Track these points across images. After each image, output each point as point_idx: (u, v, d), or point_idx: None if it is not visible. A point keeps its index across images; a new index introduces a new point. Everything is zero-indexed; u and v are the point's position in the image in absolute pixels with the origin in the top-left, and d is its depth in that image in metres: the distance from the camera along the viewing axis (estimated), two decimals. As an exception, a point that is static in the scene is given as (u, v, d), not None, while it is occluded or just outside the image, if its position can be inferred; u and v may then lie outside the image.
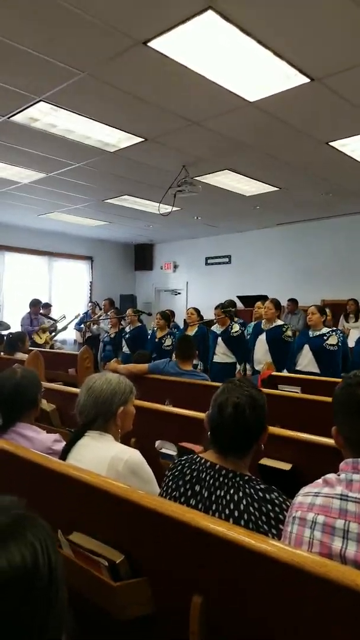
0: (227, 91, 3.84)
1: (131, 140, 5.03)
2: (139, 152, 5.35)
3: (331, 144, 4.98)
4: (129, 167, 5.91)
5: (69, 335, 9.43)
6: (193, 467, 1.43)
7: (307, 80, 3.64)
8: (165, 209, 6.61)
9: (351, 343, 6.17)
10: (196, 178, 6.01)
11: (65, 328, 8.47)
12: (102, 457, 1.58)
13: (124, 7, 2.88)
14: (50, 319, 8.47)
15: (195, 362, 4.82)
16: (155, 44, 3.25)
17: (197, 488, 1.38)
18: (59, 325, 8.39)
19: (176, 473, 1.45)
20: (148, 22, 3.04)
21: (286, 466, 1.89)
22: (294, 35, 3.12)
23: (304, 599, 0.94)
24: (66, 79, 3.75)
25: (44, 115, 4.48)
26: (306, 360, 4.44)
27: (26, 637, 0.50)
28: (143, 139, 4.98)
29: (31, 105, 4.25)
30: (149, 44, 3.26)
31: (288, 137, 4.80)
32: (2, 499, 0.58)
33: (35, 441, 1.91)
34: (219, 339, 5.36)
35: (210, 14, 2.92)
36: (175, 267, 11.52)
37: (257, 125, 4.54)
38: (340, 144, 5.00)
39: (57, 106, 4.25)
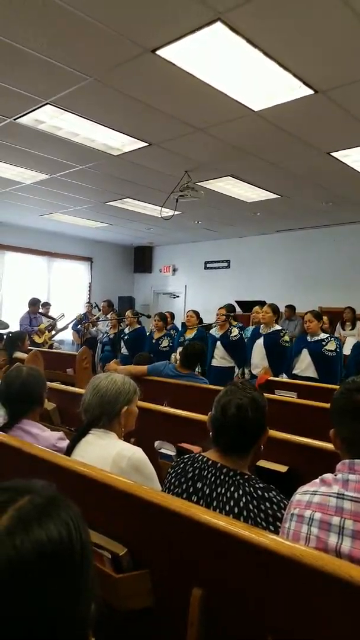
0: (233, 100, 3.90)
1: (135, 144, 5.09)
2: (143, 156, 5.41)
3: (333, 154, 5.05)
4: (132, 170, 5.96)
5: (67, 336, 9.47)
6: (195, 465, 1.48)
7: (311, 92, 3.71)
8: (167, 212, 6.67)
9: (347, 351, 6.24)
10: (198, 183, 6.08)
11: (66, 327, 8.51)
12: (106, 454, 1.63)
13: (134, 16, 2.95)
14: (50, 317, 8.50)
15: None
16: (164, 52, 3.31)
17: (199, 485, 1.43)
18: (59, 325, 8.43)
19: (179, 470, 1.51)
20: (157, 31, 3.10)
21: (282, 468, 1.94)
22: (300, 48, 3.19)
23: (301, 591, 0.99)
24: (73, 83, 3.81)
25: (50, 118, 4.54)
26: (304, 365, 4.49)
27: (63, 605, 0.55)
28: (147, 144, 5.05)
29: (38, 107, 4.30)
30: (157, 52, 3.32)
31: (291, 146, 4.87)
32: (35, 482, 0.64)
33: (39, 438, 1.96)
34: (218, 342, 5.41)
35: (218, 26, 2.98)
36: (174, 270, 11.58)
37: (261, 134, 4.61)
38: (342, 155, 5.08)
39: (63, 109, 4.31)
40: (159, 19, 2.96)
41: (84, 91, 3.93)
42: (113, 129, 4.71)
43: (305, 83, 3.60)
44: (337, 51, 3.21)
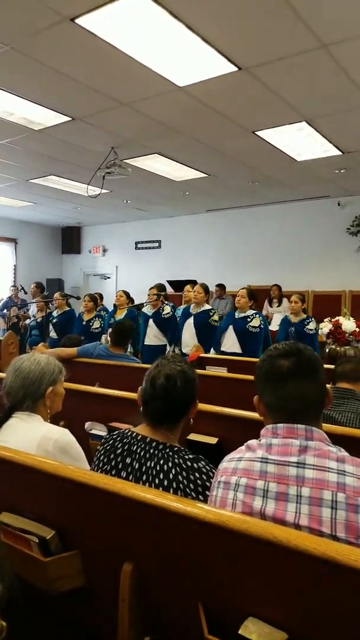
0: (157, 74, 3.82)
1: (58, 119, 4.88)
2: (66, 131, 5.20)
3: (257, 133, 5.12)
4: (55, 146, 5.73)
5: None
6: (124, 440, 1.47)
7: (235, 68, 3.71)
8: (94, 191, 6.50)
9: (275, 327, 6.47)
10: (125, 160, 5.96)
11: None
12: (30, 438, 1.57)
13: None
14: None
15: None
16: (83, 21, 3.17)
17: (128, 460, 1.42)
18: None
19: (107, 447, 1.48)
20: (76, -2, 2.96)
21: (212, 440, 1.98)
22: (223, 23, 3.17)
23: (229, 555, 1.01)
24: (-13, 50, 3.57)
25: None
26: (230, 341, 4.60)
27: None
28: (70, 118, 4.86)
29: None
30: (76, 21, 3.18)
31: (216, 124, 4.88)
32: None
33: None
34: (150, 320, 5.40)
35: (139, -6, 2.89)
36: (105, 251, 11.37)
37: (186, 111, 4.57)
38: (266, 134, 5.16)
39: (-23, 78, 4.03)
40: (77, -17, 2.82)
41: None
42: (33, 102, 4.48)
43: (228, 59, 3.59)
44: (260, 28, 3.22)
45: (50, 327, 6.33)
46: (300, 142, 5.38)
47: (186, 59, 3.62)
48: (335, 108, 4.46)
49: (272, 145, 5.47)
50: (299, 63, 3.63)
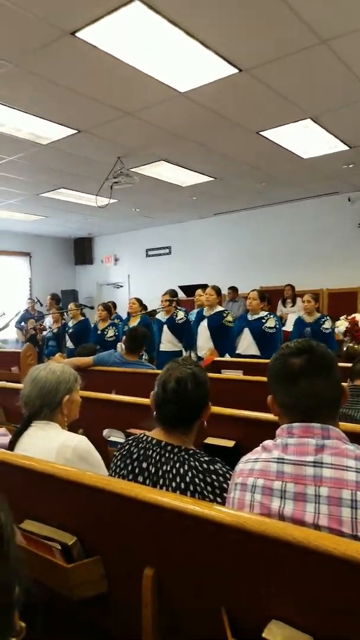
0: (158, 82, 3.86)
1: (64, 132, 4.95)
2: (73, 144, 5.27)
3: (262, 133, 5.12)
4: (63, 159, 5.80)
5: (10, 335, 9.15)
6: (140, 445, 1.47)
7: (235, 70, 3.72)
8: (103, 201, 6.56)
9: (289, 327, 6.43)
10: (132, 169, 6.01)
11: (7, 326, 8.21)
12: (49, 446, 1.59)
13: (49, -3, 2.84)
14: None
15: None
16: (84, 34, 3.22)
17: (144, 465, 1.42)
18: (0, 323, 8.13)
19: (124, 452, 1.49)
20: (75, 13, 3.01)
21: (229, 443, 1.97)
22: (221, 26, 3.19)
23: (248, 557, 1.00)
24: (-8, 69, 3.64)
25: (-30, 107, 4.32)
26: (246, 344, 4.58)
27: None
28: (76, 131, 4.92)
29: None
30: (77, 35, 3.23)
31: (220, 127, 4.89)
32: None
33: (-21, 437, 1.88)
34: (165, 327, 5.41)
35: (137, 5, 2.93)
36: (116, 260, 11.45)
37: (190, 116, 4.59)
38: (271, 134, 5.15)
39: (-16, 97, 4.11)
40: (76, 0, 2.87)
41: (5, 78, 3.77)
42: (39, 117, 4.55)
43: (228, 62, 3.60)
44: (258, 28, 3.22)
45: (67, 337, 6.39)
46: (306, 139, 5.36)
47: (186, 65, 3.64)
48: (339, 103, 4.44)
49: (277, 144, 5.46)
50: (299, 60, 3.63)
